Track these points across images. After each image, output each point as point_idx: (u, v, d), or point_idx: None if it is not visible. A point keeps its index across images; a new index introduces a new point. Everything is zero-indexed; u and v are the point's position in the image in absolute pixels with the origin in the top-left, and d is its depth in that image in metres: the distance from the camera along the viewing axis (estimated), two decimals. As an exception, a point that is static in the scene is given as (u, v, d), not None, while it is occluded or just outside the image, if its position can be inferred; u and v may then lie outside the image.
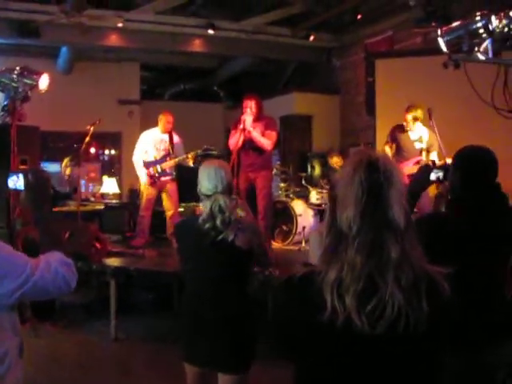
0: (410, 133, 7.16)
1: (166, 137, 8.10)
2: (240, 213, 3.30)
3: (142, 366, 5.72)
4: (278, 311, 1.84)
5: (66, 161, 9.63)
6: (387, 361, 1.63)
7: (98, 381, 5.44)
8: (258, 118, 6.55)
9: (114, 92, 13.88)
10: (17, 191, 2.44)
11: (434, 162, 5.62)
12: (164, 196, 8.11)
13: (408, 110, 7.09)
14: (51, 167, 11.61)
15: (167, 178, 8.09)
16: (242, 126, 6.45)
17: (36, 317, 6.30)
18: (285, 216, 8.64)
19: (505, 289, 2.76)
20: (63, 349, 6.11)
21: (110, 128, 11.54)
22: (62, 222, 7.35)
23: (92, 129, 7.83)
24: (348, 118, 12.93)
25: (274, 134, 6.57)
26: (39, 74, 6.72)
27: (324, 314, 1.60)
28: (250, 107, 6.54)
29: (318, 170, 11.61)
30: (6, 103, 6.86)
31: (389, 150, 7.26)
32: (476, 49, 4.38)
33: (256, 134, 6.47)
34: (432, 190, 6.60)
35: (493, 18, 3.79)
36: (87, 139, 7.79)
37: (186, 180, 9.75)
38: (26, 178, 2.35)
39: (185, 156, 7.93)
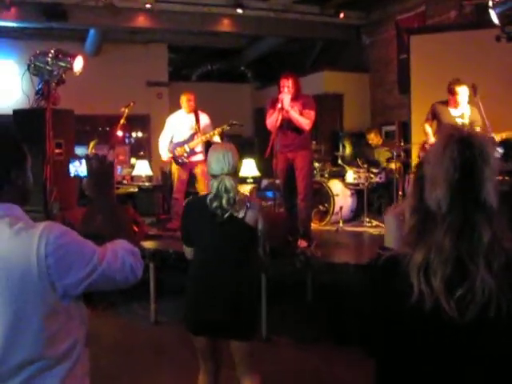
0: (451, 109, 7.00)
1: (192, 116, 8.05)
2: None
3: (180, 347, 5.68)
4: (362, 298, 1.74)
5: (92, 144, 9.57)
6: (478, 348, 1.53)
7: (139, 364, 5.42)
8: (295, 96, 6.41)
9: (141, 74, 13.85)
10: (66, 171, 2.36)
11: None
12: (196, 177, 8.04)
13: (456, 83, 6.92)
14: (78, 150, 11.59)
15: (197, 158, 8.02)
16: (280, 106, 6.30)
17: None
18: (321, 196, 8.55)
19: None
20: (103, 332, 6.09)
21: (138, 110, 11.44)
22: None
23: (127, 111, 7.76)
24: (379, 96, 12.76)
25: (312, 113, 6.42)
26: (73, 56, 6.65)
27: (411, 299, 1.51)
28: (287, 86, 6.39)
29: (349, 150, 11.47)
30: (40, 87, 6.82)
31: (429, 128, 7.16)
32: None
33: (294, 114, 6.34)
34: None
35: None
36: (122, 121, 7.72)
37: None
38: (89, 164, 2.27)
39: (211, 133, 7.84)
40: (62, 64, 6.57)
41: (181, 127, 8.02)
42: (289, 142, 6.51)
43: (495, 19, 4.37)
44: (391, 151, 8.52)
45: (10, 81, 12.16)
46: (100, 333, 6.06)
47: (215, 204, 3.46)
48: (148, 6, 10.86)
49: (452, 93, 6.94)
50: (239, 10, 11.40)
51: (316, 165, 9.17)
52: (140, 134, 14.95)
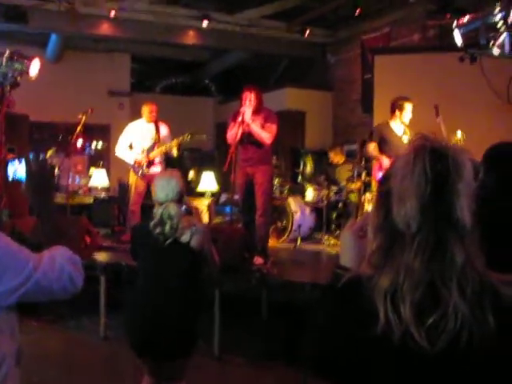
0: (394, 126, 7.18)
1: (152, 126, 7.98)
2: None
3: (131, 366, 5.50)
4: (319, 325, 1.58)
5: (50, 152, 9.33)
6: (448, 380, 1.39)
7: (86, 381, 5.22)
8: (257, 110, 6.32)
9: (103, 83, 13.67)
10: (12, 181, 2.20)
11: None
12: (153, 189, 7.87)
13: (405, 100, 7.14)
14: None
15: (156, 169, 7.87)
16: (240, 119, 6.21)
17: (19, 311, 6.03)
18: (280, 213, 8.47)
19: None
20: (49, 346, 5.89)
21: (98, 120, 11.26)
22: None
23: (84, 118, 7.58)
24: (341, 114, 12.79)
25: (274, 127, 6.34)
26: (30, 59, 6.45)
27: (376, 327, 1.36)
28: (249, 99, 6.30)
29: (309, 167, 11.43)
30: (-7, 89, 6.60)
31: (374, 148, 7.24)
32: (492, 42, 4.18)
33: (255, 127, 6.25)
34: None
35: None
36: (79, 129, 7.54)
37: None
38: (28, 166, 2.10)
39: (172, 143, 7.72)
40: (18, 66, 6.36)
41: (141, 136, 7.91)
42: (249, 156, 6.41)
43: (459, 40, 4.34)
44: (352, 170, 8.50)
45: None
46: (46, 347, 5.84)
47: (158, 230, 3.55)
48: (113, 13, 10.68)
49: (400, 108, 7.10)
50: (205, 23, 11.31)
51: (276, 181, 9.09)
52: (100, 144, 14.70)
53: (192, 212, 4.32)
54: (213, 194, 9.55)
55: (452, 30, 4.59)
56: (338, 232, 8.82)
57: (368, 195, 7.96)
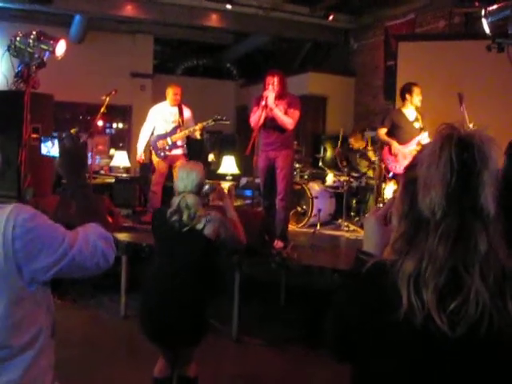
0: (406, 112, 7.34)
1: (176, 109, 7.97)
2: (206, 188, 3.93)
3: (150, 345, 5.58)
4: (342, 308, 1.60)
5: (72, 131, 9.41)
6: (466, 366, 1.43)
7: (107, 359, 5.30)
8: (280, 95, 6.31)
9: (126, 64, 13.72)
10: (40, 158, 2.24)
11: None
12: (175, 171, 7.93)
13: (414, 85, 7.28)
14: (57, 138, 11.42)
15: (178, 151, 7.95)
16: (263, 103, 6.22)
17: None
18: (300, 197, 8.48)
19: None
20: (72, 324, 5.96)
21: (120, 101, 11.32)
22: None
23: (108, 99, 7.63)
24: (363, 100, 12.76)
25: (296, 113, 6.33)
26: (56, 39, 6.49)
27: (399, 312, 1.40)
28: (272, 83, 6.30)
29: (330, 153, 11.43)
30: (20, 69, 6.66)
31: (385, 133, 7.41)
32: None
33: (278, 112, 6.24)
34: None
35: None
36: (102, 109, 7.59)
37: (196, 154, 9.66)
38: (61, 143, 2.15)
39: (195, 127, 7.74)
40: (44, 47, 6.42)
41: (163, 119, 7.94)
42: (271, 141, 6.43)
43: (487, 29, 4.31)
44: (374, 156, 8.51)
45: (-10, 62, 11.94)
46: (67, 325, 5.92)
47: (175, 218, 3.67)
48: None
49: (409, 92, 7.24)
50: (228, 6, 11.32)
51: (296, 166, 9.10)
52: (121, 125, 14.80)
53: (215, 189, 4.47)
54: (233, 177, 9.58)
55: (478, 17, 4.56)
56: (357, 218, 8.85)
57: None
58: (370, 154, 8.88)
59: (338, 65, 13.49)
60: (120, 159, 10.63)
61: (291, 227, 7.86)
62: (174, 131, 7.83)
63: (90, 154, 10.47)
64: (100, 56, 13.25)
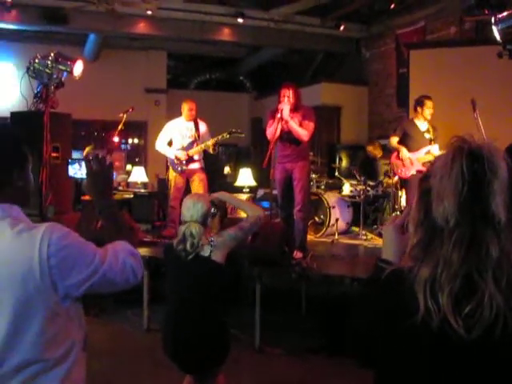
0: (418, 123, 7.49)
1: (192, 124, 8.03)
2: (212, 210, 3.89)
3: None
4: (362, 314, 1.68)
5: (88, 149, 9.54)
6: (482, 368, 1.49)
7: (131, 371, 5.37)
8: (295, 107, 6.40)
9: (140, 80, 13.87)
10: (62, 176, 2.33)
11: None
12: (193, 185, 8.02)
13: (427, 98, 7.40)
14: (74, 155, 11.56)
15: (195, 165, 8.01)
16: (279, 116, 6.30)
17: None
18: (317, 208, 8.54)
19: None
20: (95, 338, 6.02)
21: (135, 117, 11.44)
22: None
23: (125, 116, 7.75)
24: (377, 109, 12.78)
25: (311, 125, 6.41)
26: (74, 60, 6.65)
27: (416, 316, 1.47)
28: (287, 96, 6.38)
29: (345, 162, 11.49)
30: (39, 90, 6.81)
31: (396, 141, 7.61)
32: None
33: (293, 124, 6.32)
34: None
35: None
36: (120, 126, 7.71)
37: (212, 169, 9.75)
38: (88, 166, 2.24)
39: (212, 141, 7.81)
40: (62, 67, 6.57)
41: (180, 134, 8.00)
42: (288, 153, 6.50)
43: (497, 36, 4.36)
44: (389, 164, 8.56)
45: (9, 83, 12.16)
46: (92, 339, 5.98)
47: (180, 247, 3.72)
48: (149, 12, 10.87)
49: (421, 105, 7.40)
50: (240, 20, 11.43)
51: (313, 176, 9.15)
52: (136, 141, 14.93)
53: (217, 213, 4.49)
54: (250, 189, 9.65)
55: (490, 23, 4.61)
56: (374, 226, 8.88)
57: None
58: (385, 162, 8.93)
59: (351, 74, 13.54)
60: (138, 175, 10.73)
61: (309, 237, 7.90)
62: (190, 146, 7.91)
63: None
64: (114, 73, 13.41)
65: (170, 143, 8.14)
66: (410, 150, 7.43)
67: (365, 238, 8.34)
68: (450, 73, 8.53)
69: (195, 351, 3.66)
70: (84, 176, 2.27)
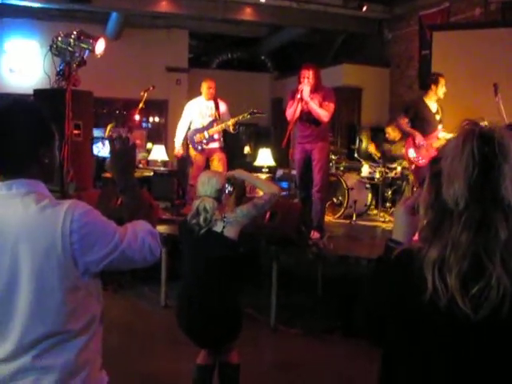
0: (430, 105, 7.20)
1: (212, 103, 8.07)
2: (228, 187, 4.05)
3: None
4: (372, 292, 1.72)
5: (109, 126, 9.60)
6: (489, 348, 1.52)
7: (148, 347, 5.45)
8: (315, 88, 6.39)
9: (161, 59, 13.86)
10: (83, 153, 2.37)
11: None
12: (212, 165, 8.07)
13: (441, 75, 7.16)
14: (95, 133, 11.64)
15: (215, 145, 8.07)
16: (299, 96, 6.30)
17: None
18: (336, 189, 8.55)
19: None
20: (113, 313, 6.12)
21: (156, 96, 11.47)
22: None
23: (146, 95, 7.79)
24: (398, 91, 12.68)
25: (331, 106, 6.40)
26: (96, 38, 6.71)
27: (424, 295, 1.50)
28: (307, 77, 6.38)
29: (365, 144, 11.44)
30: (61, 67, 6.88)
31: (407, 123, 7.31)
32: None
33: (313, 105, 6.32)
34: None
35: None
36: (141, 105, 7.76)
37: (232, 148, 9.78)
38: (112, 145, 2.29)
39: (232, 120, 7.85)
40: (84, 46, 6.63)
41: (200, 113, 8.05)
42: (307, 133, 6.51)
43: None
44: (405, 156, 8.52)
45: (32, 61, 12.24)
46: (109, 314, 6.08)
47: (193, 221, 3.77)
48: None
49: (435, 82, 7.11)
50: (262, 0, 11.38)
51: (332, 157, 9.15)
52: (157, 119, 14.98)
53: (233, 191, 4.52)
54: (270, 169, 9.68)
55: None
56: (392, 209, 8.87)
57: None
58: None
59: (373, 56, 13.43)
60: (158, 153, 10.80)
61: (327, 218, 7.92)
62: (210, 125, 7.95)
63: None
64: (136, 52, 13.42)
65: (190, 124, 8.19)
66: (423, 132, 7.14)
67: (383, 219, 8.35)
68: (474, 55, 8.43)
69: (207, 326, 3.72)
70: (107, 155, 2.31)
